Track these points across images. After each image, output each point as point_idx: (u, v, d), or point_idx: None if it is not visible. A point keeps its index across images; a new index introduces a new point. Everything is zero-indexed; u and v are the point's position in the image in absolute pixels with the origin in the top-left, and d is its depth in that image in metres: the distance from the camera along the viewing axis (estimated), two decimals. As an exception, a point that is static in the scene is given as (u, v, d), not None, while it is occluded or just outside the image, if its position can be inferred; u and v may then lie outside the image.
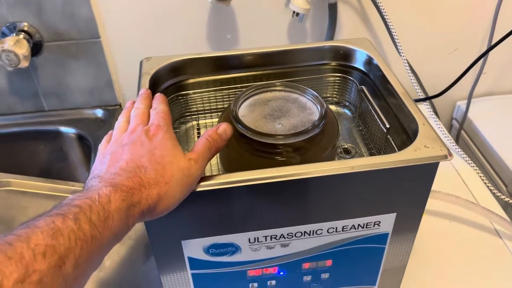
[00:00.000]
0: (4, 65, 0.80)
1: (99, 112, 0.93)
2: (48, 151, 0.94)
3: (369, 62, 0.59)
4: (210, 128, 0.45)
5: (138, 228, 0.69)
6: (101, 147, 0.44)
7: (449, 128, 1.06)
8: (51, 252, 0.29)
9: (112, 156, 0.40)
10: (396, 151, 0.50)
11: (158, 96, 0.49)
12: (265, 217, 0.46)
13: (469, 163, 0.80)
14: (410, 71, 0.84)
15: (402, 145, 0.50)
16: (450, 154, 0.43)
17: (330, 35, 0.86)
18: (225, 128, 0.45)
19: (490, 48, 0.83)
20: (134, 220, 0.37)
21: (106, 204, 0.34)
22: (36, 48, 0.84)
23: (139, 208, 0.36)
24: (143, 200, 0.36)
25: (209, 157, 0.43)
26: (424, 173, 0.45)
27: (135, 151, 0.39)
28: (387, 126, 0.51)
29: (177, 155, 0.40)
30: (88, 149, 0.90)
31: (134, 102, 0.49)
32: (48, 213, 0.32)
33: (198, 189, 0.42)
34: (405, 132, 0.51)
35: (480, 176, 0.78)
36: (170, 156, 0.39)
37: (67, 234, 0.31)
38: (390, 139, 0.52)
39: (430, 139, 0.45)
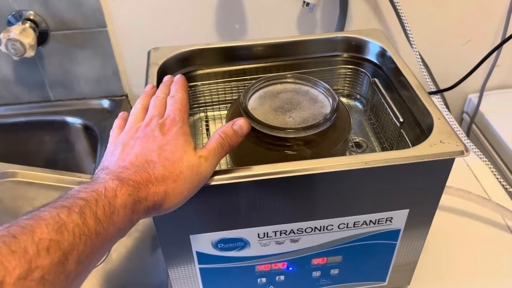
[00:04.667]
0: (10, 54, 0.79)
1: (106, 103, 0.92)
2: (54, 141, 0.94)
3: (382, 54, 0.57)
4: (226, 124, 0.43)
5: (145, 220, 0.68)
6: (113, 134, 0.43)
7: (460, 121, 1.04)
8: (55, 248, 0.28)
9: (123, 148, 0.39)
10: (409, 146, 0.49)
11: (178, 80, 0.47)
12: (275, 212, 0.45)
13: (480, 158, 0.79)
14: (421, 63, 0.82)
15: (416, 140, 0.49)
16: (467, 150, 0.42)
17: (341, 26, 0.84)
18: (241, 124, 0.43)
19: (504, 40, 0.81)
20: (139, 216, 0.36)
21: (112, 199, 0.33)
22: (42, 37, 0.83)
23: (145, 204, 0.35)
24: (149, 196, 0.36)
25: (221, 155, 0.41)
26: (439, 169, 0.44)
27: (146, 145, 0.39)
28: (401, 120, 0.50)
29: (188, 152, 0.39)
30: (94, 140, 0.89)
31: (153, 87, 0.48)
32: (53, 204, 0.31)
33: (208, 184, 0.41)
34: (418, 126, 0.49)
35: (492, 171, 0.77)
36: (180, 152, 0.38)
37: (71, 228, 0.30)
38: (404, 133, 0.50)
39: (446, 134, 0.44)
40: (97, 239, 0.31)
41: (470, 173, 0.76)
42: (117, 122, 0.45)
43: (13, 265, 0.26)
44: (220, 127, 0.43)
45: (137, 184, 0.35)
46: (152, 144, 0.39)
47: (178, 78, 0.48)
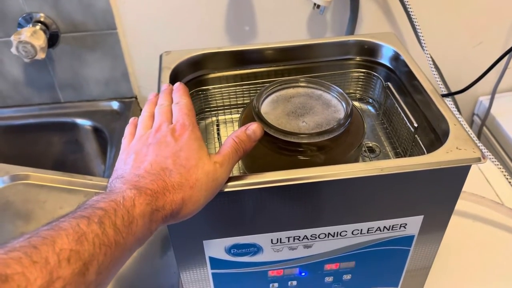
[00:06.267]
0: (21, 56, 0.79)
1: (115, 105, 0.93)
2: (63, 142, 0.94)
3: (395, 58, 0.57)
4: (239, 129, 0.43)
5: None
6: (125, 141, 0.43)
7: (470, 124, 1.03)
8: (76, 258, 0.28)
9: (137, 156, 0.39)
10: (424, 152, 0.48)
11: (179, 87, 0.47)
12: (288, 218, 0.45)
13: (493, 161, 0.78)
14: (433, 66, 0.82)
15: (430, 145, 0.48)
16: (484, 157, 0.42)
17: (351, 29, 0.83)
18: (254, 129, 0.43)
19: (517, 42, 0.80)
20: (157, 225, 0.36)
21: (130, 208, 0.33)
22: (52, 40, 0.84)
23: (163, 213, 0.35)
24: (167, 204, 0.35)
25: (236, 160, 0.41)
26: (455, 176, 0.44)
27: (160, 152, 0.38)
28: (415, 125, 0.49)
29: (202, 158, 0.39)
30: (104, 141, 0.89)
31: (157, 95, 0.48)
32: (73, 215, 0.31)
33: (221, 190, 0.40)
34: (433, 131, 0.49)
35: (505, 175, 0.76)
36: (195, 158, 0.38)
37: (91, 239, 0.30)
38: (418, 138, 0.50)
39: (462, 140, 0.43)
40: (117, 249, 0.31)
41: (482, 177, 0.76)
42: (128, 129, 0.44)
43: (35, 275, 0.26)
44: (234, 132, 0.42)
45: (154, 193, 0.35)
46: (166, 151, 0.38)
47: (178, 85, 0.47)
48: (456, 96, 0.95)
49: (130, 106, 0.92)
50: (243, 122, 0.52)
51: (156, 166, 0.37)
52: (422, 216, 0.47)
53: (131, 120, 0.46)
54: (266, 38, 0.87)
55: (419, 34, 0.81)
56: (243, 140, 0.42)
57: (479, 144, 0.80)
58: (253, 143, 0.43)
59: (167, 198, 0.35)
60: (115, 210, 0.32)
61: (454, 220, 0.68)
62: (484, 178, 0.76)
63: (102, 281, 0.31)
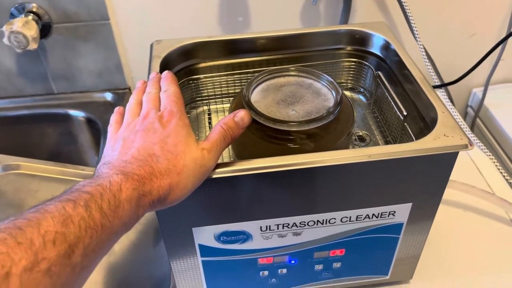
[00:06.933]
0: (13, 46, 0.79)
1: (109, 96, 0.92)
2: (56, 134, 0.94)
3: (386, 47, 0.57)
4: (227, 115, 0.43)
5: (148, 213, 0.68)
6: (111, 129, 0.43)
7: (464, 115, 1.03)
8: (61, 240, 0.28)
9: (124, 142, 0.39)
10: (413, 139, 0.49)
11: (167, 76, 0.47)
12: (277, 205, 0.45)
13: (484, 152, 0.79)
14: (426, 57, 0.82)
15: (420, 133, 0.48)
16: (471, 144, 0.42)
17: (345, 19, 0.83)
18: (242, 116, 0.43)
19: (510, 34, 0.80)
20: (144, 210, 0.36)
21: (117, 193, 0.33)
22: (45, 30, 0.83)
23: (150, 198, 0.35)
24: (154, 190, 0.36)
25: (224, 146, 0.41)
26: (443, 163, 0.44)
27: (148, 139, 0.38)
28: (404, 113, 0.49)
29: (190, 144, 0.39)
30: (97, 133, 0.89)
31: (145, 82, 0.48)
32: (59, 198, 0.31)
33: (210, 177, 0.41)
34: (422, 120, 0.49)
35: (496, 165, 0.76)
36: (183, 145, 0.38)
37: (77, 221, 0.30)
38: (407, 126, 0.50)
39: (450, 127, 0.43)
40: (103, 233, 0.31)
41: (474, 167, 0.76)
42: (114, 117, 0.44)
43: (19, 256, 0.26)
44: (222, 119, 0.43)
45: (141, 179, 0.35)
46: (153, 137, 0.38)
47: (167, 73, 0.47)
48: (450, 88, 0.95)
49: (124, 97, 0.92)
50: (233, 111, 0.52)
51: (143, 152, 0.37)
52: (410, 204, 0.47)
53: (117, 109, 0.46)
54: (259, 29, 0.87)
55: (412, 25, 0.81)
56: (231, 127, 0.42)
57: (471, 134, 0.80)
58: (241, 130, 0.43)
59: (154, 184, 0.35)
60: (101, 194, 0.32)
61: (445, 209, 0.68)
62: (476, 169, 0.76)
63: (88, 263, 0.31)
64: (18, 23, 0.77)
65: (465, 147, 0.42)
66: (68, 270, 0.29)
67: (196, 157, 0.38)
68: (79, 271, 0.30)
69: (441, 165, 0.44)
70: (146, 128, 0.39)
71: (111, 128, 0.43)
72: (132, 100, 0.45)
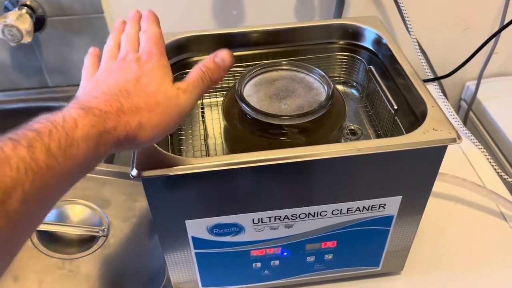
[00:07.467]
0: (7, 40, 0.78)
1: (103, 89, 0.92)
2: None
3: (378, 41, 0.57)
4: (207, 57, 0.41)
5: (143, 205, 0.69)
6: (85, 72, 0.40)
7: (457, 109, 1.04)
8: None
9: (97, 81, 0.37)
10: (403, 133, 0.49)
11: (148, 15, 0.43)
12: (269, 198, 0.46)
13: (476, 145, 0.79)
14: (419, 51, 0.82)
15: (410, 127, 0.49)
16: (459, 138, 0.42)
17: (338, 13, 0.84)
18: (223, 56, 0.40)
19: (503, 27, 0.81)
20: (107, 149, 0.33)
21: (70, 130, 0.30)
22: (39, 23, 0.83)
23: (114, 135, 0.33)
24: (120, 126, 0.33)
25: (202, 88, 0.39)
26: (432, 156, 0.45)
27: (121, 77, 0.36)
28: (395, 107, 0.50)
29: (165, 83, 0.37)
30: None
31: (124, 22, 0.44)
32: (0, 138, 0.28)
33: (203, 170, 0.41)
34: (413, 114, 0.50)
35: (488, 159, 0.77)
36: (157, 83, 0.36)
37: (15, 163, 0.27)
38: (398, 120, 0.51)
39: (439, 121, 0.44)
40: (49, 175, 0.28)
41: (466, 161, 0.77)
42: (89, 59, 0.42)
43: None
44: (202, 61, 0.40)
45: (104, 114, 0.32)
46: (128, 75, 0.37)
47: (148, 12, 0.43)
48: (443, 82, 0.96)
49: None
50: (226, 105, 0.52)
51: (114, 87, 0.35)
52: (400, 197, 0.48)
53: (91, 50, 0.43)
54: (253, 23, 0.87)
55: (406, 18, 0.81)
56: (210, 68, 0.40)
57: (463, 128, 0.81)
58: (222, 72, 0.41)
59: (121, 120, 0.33)
60: (50, 131, 0.29)
61: (436, 202, 0.69)
62: (468, 162, 0.77)
63: (30, 210, 0.28)
64: (12, 17, 0.77)
65: (453, 141, 0.42)
66: (2, 220, 0.26)
67: (170, 96, 0.36)
68: (17, 219, 0.27)
69: (430, 158, 0.45)
70: (122, 67, 0.38)
71: (85, 71, 0.40)
72: (110, 42, 0.42)
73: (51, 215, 0.64)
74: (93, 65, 0.41)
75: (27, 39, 0.79)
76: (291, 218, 0.48)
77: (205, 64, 0.40)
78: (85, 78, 0.39)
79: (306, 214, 0.48)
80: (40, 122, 0.30)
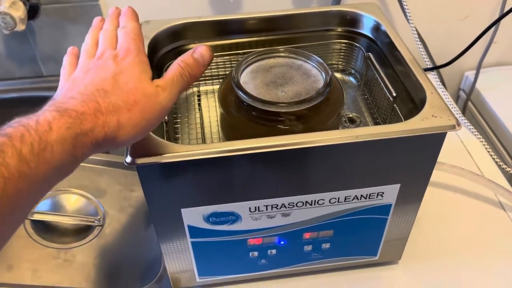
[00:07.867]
0: (0, 28, 0.77)
1: (99, 78, 0.91)
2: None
3: (376, 28, 0.57)
4: (186, 52, 0.40)
5: (139, 195, 0.68)
6: (64, 71, 0.40)
7: (456, 99, 1.04)
8: None
9: (73, 81, 0.37)
10: (402, 121, 0.49)
11: (126, 11, 0.42)
12: (266, 186, 0.45)
13: (475, 135, 0.79)
14: (418, 39, 0.81)
15: (409, 115, 0.48)
16: (459, 124, 0.42)
17: (336, 0, 0.83)
18: (202, 52, 0.40)
19: (502, 16, 0.80)
20: (85, 151, 0.32)
21: (44, 133, 0.29)
22: (32, 11, 0.82)
23: (92, 137, 0.32)
24: (98, 127, 0.32)
25: (182, 85, 0.38)
26: (431, 144, 0.44)
27: (98, 75, 0.36)
28: (394, 94, 0.49)
29: (143, 81, 0.36)
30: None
31: (102, 19, 0.44)
32: None
33: (198, 157, 0.40)
34: (412, 101, 0.49)
35: (486, 148, 0.77)
36: (135, 81, 0.36)
37: None
38: (397, 108, 0.50)
39: (438, 108, 0.43)
40: (22, 181, 0.28)
41: (464, 150, 0.76)
42: (68, 59, 0.41)
43: None
44: (180, 56, 0.39)
45: (80, 115, 0.32)
46: (105, 73, 0.36)
47: (127, 8, 0.43)
48: (442, 71, 0.95)
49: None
50: (222, 93, 0.52)
51: (91, 87, 0.35)
52: (398, 185, 0.48)
53: (70, 49, 0.42)
54: (250, 9, 0.86)
55: (405, 6, 0.80)
56: (189, 63, 0.39)
57: (462, 117, 0.81)
58: (202, 67, 0.40)
59: (98, 120, 0.33)
60: (22, 136, 0.28)
61: (434, 191, 0.69)
62: (466, 151, 0.76)
63: (2, 218, 0.27)
64: (5, 4, 0.76)
65: (452, 127, 0.42)
66: None
67: (149, 94, 0.36)
68: None
69: (429, 146, 0.44)
70: (99, 66, 0.37)
71: (64, 71, 0.40)
72: (88, 40, 0.41)
73: (46, 205, 0.64)
74: (72, 64, 0.40)
75: (20, 27, 0.78)
76: (288, 207, 0.47)
77: (184, 60, 0.39)
78: (64, 78, 0.39)
79: (303, 203, 0.47)
80: (13, 126, 0.29)
